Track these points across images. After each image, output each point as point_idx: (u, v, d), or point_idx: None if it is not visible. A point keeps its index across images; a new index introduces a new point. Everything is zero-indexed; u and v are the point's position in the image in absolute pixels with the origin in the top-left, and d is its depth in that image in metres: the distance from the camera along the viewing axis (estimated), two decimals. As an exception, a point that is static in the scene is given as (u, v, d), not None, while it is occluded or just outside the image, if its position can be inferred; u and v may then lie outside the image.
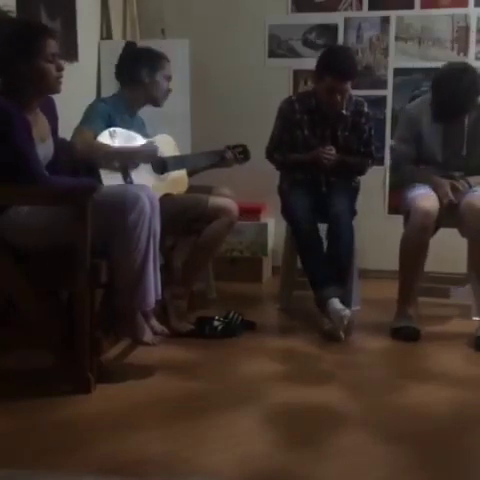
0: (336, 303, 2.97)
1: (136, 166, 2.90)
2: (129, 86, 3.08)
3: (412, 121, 3.25)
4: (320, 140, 3.38)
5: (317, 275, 3.12)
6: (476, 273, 3.11)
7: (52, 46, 2.34)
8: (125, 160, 2.85)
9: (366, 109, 3.43)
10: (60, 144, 2.60)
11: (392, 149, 3.40)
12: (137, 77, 3.05)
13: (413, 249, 3.03)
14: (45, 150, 2.45)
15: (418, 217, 2.99)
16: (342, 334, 2.95)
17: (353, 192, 3.47)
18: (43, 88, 2.38)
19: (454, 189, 3.11)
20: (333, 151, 3.32)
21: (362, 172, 3.53)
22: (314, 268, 3.14)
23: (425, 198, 3.05)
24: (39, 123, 2.44)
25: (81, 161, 2.75)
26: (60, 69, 2.36)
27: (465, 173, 3.22)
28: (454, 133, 3.20)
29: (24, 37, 2.30)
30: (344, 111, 3.37)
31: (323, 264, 3.13)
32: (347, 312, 2.93)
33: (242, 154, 3.39)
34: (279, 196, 3.53)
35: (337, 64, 3.20)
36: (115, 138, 2.86)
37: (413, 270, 3.07)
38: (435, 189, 3.12)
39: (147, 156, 2.97)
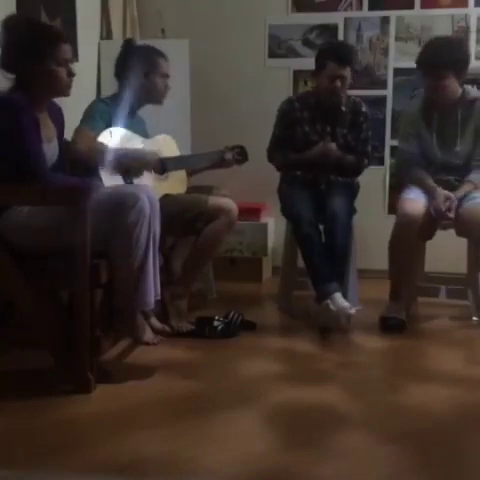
0: (339, 298, 2.99)
1: (138, 174, 2.90)
2: (126, 86, 3.08)
3: (411, 118, 3.28)
4: (320, 136, 3.40)
5: (319, 271, 3.12)
6: (476, 273, 3.11)
7: (65, 51, 2.41)
8: (126, 166, 2.85)
9: (364, 109, 3.47)
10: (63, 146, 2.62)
11: (399, 150, 3.40)
12: (132, 77, 3.04)
13: (397, 251, 3.09)
14: (50, 150, 2.46)
15: (399, 222, 3.05)
16: (344, 327, 2.98)
17: (352, 191, 3.46)
18: (52, 90, 2.45)
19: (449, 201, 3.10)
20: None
21: (358, 172, 3.52)
22: (316, 264, 3.14)
23: (410, 203, 3.07)
24: (46, 124, 2.46)
25: (80, 161, 2.75)
26: (71, 75, 2.43)
27: (459, 168, 3.21)
28: (448, 129, 3.21)
29: (39, 40, 2.37)
30: (343, 107, 3.40)
31: (324, 260, 3.13)
32: (351, 309, 2.95)
33: (240, 155, 3.39)
34: (279, 197, 3.53)
35: (337, 49, 3.40)
36: (115, 139, 2.86)
37: (400, 270, 3.15)
38: (434, 205, 3.08)
39: (146, 165, 2.95)
